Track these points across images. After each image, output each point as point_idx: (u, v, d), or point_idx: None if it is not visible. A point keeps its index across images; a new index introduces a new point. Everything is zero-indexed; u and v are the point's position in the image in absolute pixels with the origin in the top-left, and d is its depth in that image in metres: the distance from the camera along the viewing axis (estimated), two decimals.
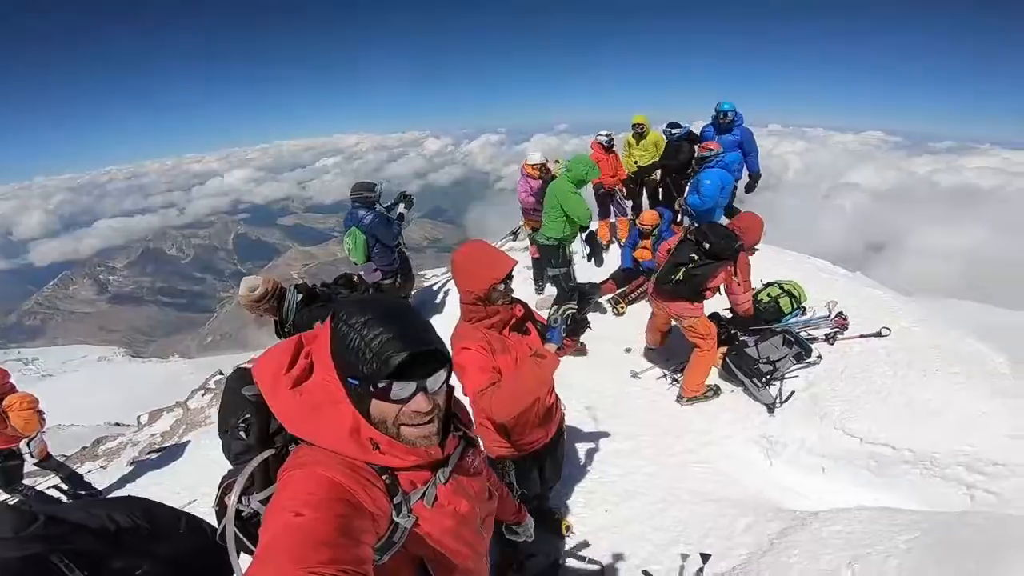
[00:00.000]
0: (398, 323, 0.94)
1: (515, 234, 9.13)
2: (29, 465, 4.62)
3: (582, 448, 3.86)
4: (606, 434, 3.97)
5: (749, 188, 6.63)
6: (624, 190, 7.61)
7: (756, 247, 4.51)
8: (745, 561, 2.52)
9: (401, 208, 6.20)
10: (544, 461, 2.50)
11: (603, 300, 6.47)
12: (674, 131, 6.96)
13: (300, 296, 3.44)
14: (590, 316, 6.03)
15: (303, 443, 1.02)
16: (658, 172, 7.40)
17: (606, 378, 4.95)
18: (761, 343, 4.69)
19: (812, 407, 4.16)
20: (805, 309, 5.22)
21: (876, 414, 3.89)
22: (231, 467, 1.15)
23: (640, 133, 7.28)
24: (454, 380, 1.36)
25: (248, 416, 1.10)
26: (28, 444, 4.48)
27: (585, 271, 6.13)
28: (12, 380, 4.44)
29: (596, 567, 2.52)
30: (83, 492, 5.01)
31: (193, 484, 4.68)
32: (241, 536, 1.04)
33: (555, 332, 2.09)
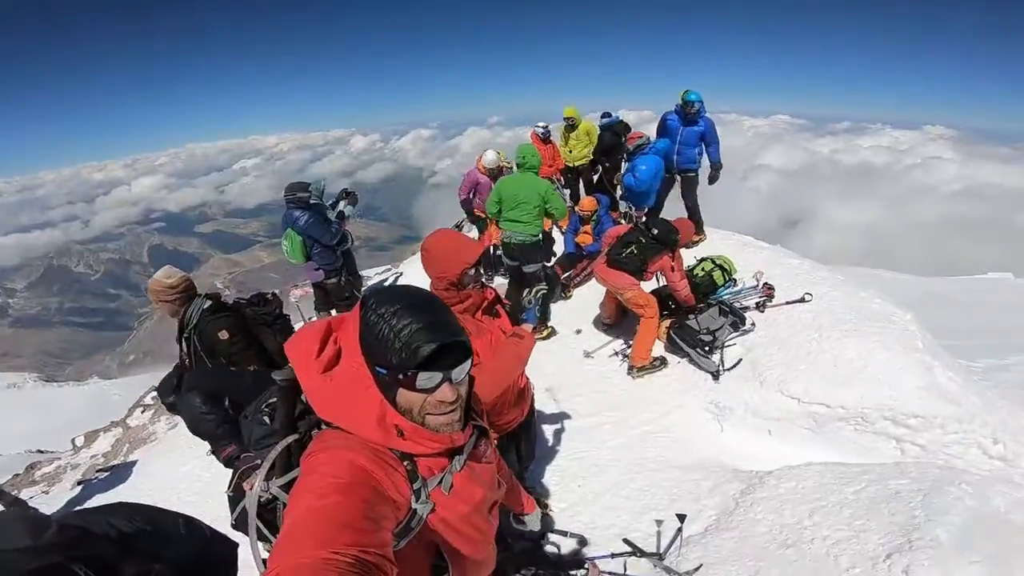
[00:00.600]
0: (426, 314, 0.96)
1: (459, 227, 9.12)
2: None
3: (548, 429, 3.96)
4: (568, 414, 4.09)
5: (712, 179, 6.61)
6: (562, 179, 7.81)
7: (699, 227, 4.99)
8: (716, 520, 2.69)
9: (343, 206, 6.03)
10: (520, 440, 2.57)
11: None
12: (603, 120, 7.23)
13: (208, 303, 3.25)
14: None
15: (326, 428, 1.03)
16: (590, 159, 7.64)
17: (562, 360, 5.09)
18: (700, 315, 4.99)
19: (752, 372, 4.45)
20: (736, 281, 5.59)
21: (809, 375, 4.22)
22: (251, 452, 1.15)
23: (571, 125, 7.50)
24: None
25: (273, 400, 1.12)
26: None
27: None
28: None
29: (578, 539, 2.62)
30: None
31: (153, 501, 4.38)
32: (257, 521, 1.03)
33: (531, 313, 2.18)
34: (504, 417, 2.33)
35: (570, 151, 7.64)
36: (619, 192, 7.13)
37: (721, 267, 5.45)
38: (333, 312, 6.18)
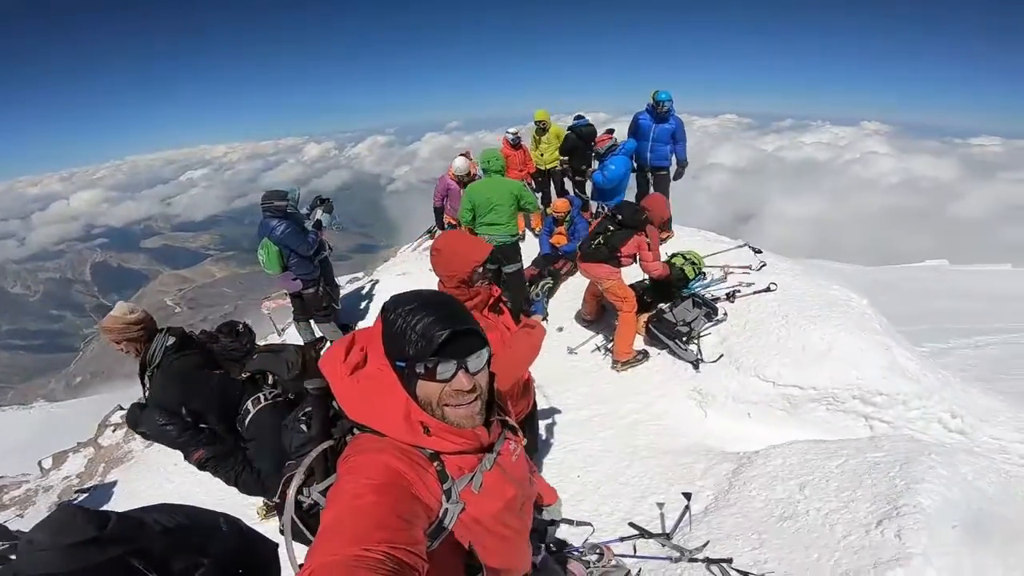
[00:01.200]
0: (440, 308, 1.02)
1: (431, 233, 9.05)
2: None
3: (542, 424, 4.03)
4: (559, 409, 4.19)
5: (677, 175, 6.83)
6: (533, 183, 7.92)
7: (667, 224, 5.10)
8: (714, 500, 2.82)
9: (319, 214, 5.92)
10: (525, 431, 2.65)
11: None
12: (574, 122, 7.38)
13: (172, 340, 3.02)
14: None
15: (359, 433, 1.07)
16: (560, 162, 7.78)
17: (546, 357, 5.15)
18: (675, 308, 5.19)
19: (728, 359, 4.65)
20: (705, 274, 5.84)
21: (781, 360, 4.45)
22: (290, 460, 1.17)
23: (542, 128, 7.61)
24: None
25: (309, 409, 1.14)
26: None
27: None
28: None
29: (587, 525, 2.71)
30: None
31: None
32: (302, 526, 1.06)
33: (539, 304, 2.31)
34: (516, 407, 2.41)
35: (541, 154, 7.76)
36: (588, 191, 7.31)
37: (691, 262, 5.67)
38: (312, 323, 6.06)
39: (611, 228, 4.86)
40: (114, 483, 5.47)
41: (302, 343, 6.15)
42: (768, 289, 5.36)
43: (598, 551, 2.12)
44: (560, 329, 5.75)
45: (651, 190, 6.90)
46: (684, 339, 4.95)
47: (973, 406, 3.83)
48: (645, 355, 5.06)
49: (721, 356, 4.74)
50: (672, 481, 3.18)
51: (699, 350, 4.88)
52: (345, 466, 1.00)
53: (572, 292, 6.02)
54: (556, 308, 6.09)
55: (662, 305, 5.32)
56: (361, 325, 6.69)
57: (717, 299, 5.42)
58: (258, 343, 3.24)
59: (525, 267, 6.75)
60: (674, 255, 5.70)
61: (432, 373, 1.01)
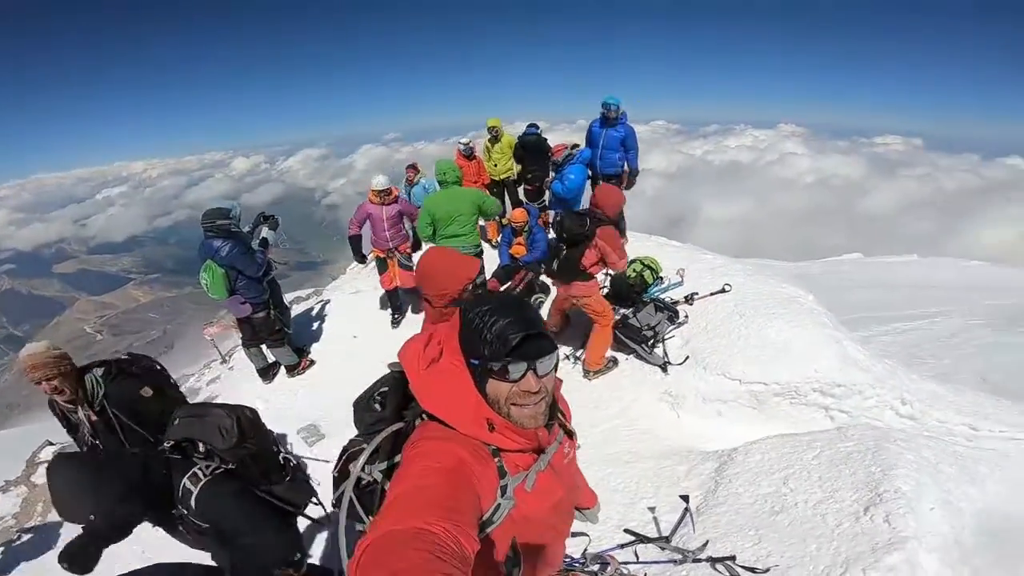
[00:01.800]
0: (515, 312, 1.08)
1: (363, 258, 7.83)
2: None
3: None
4: None
5: (628, 185, 6.84)
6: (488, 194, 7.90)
7: (621, 217, 5.12)
8: (703, 500, 2.90)
9: (264, 232, 5.58)
10: None
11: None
12: (526, 130, 7.43)
13: (102, 370, 2.84)
14: None
15: (428, 420, 1.13)
16: (516, 172, 7.80)
17: None
18: (638, 313, 5.33)
19: (695, 361, 4.82)
20: (663, 279, 6.04)
21: (744, 357, 4.65)
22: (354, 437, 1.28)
23: (495, 136, 7.60)
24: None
25: (385, 390, 1.24)
26: None
27: None
28: None
29: (583, 535, 2.71)
30: None
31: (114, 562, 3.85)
32: (356, 504, 1.14)
33: None
34: None
35: (495, 164, 7.75)
36: (547, 200, 7.37)
37: (649, 267, 5.86)
38: (264, 348, 5.74)
39: (561, 246, 4.69)
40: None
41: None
42: (723, 290, 5.60)
43: (602, 561, 2.12)
44: None
45: None
46: (650, 343, 5.08)
47: (919, 391, 4.15)
48: (615, 362, 5.15)
49: (687, 358, 4.89)
50: (659, 485, 3.24)
51: (665, 353, 5.02)
52: (414, 450, 1.06)
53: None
54: None
55: (625, 311, 5.45)
56: (316, 348, 6.44)
57: (676, 302, 5.61)
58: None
59: (487, 279, 6.74)
60: (632, 261, 5.85)
61: (503, 373, 1.06)
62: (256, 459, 2.37)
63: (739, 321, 5.13)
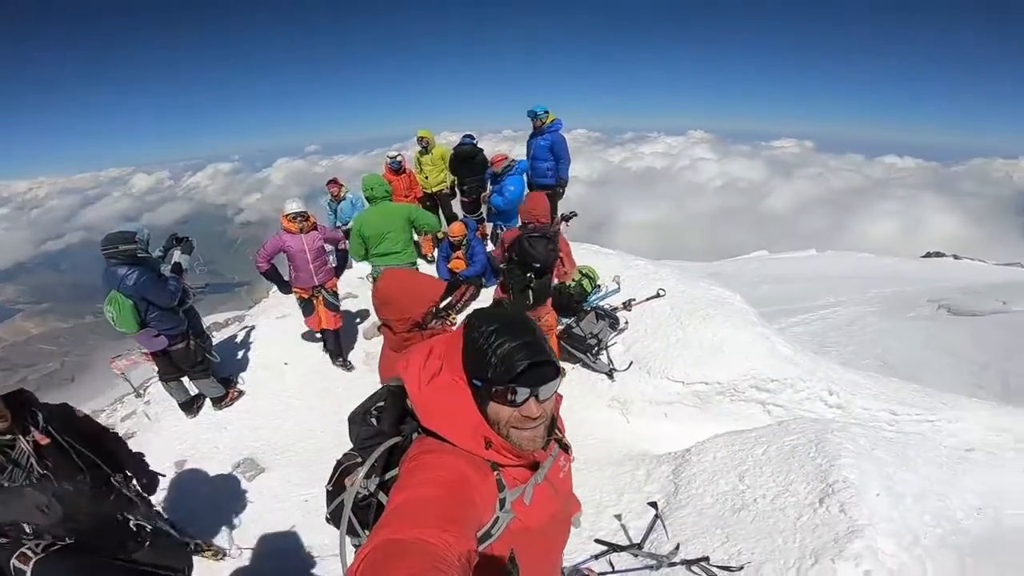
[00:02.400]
0: (522, 335, 1.06)
1: (288, 287, 6.07)
2: None
3: None
4: None
5: (557, 195, 6.79)
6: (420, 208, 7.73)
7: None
8: (666, 503, 2.94)
9: (177, 256, 5.04)
10: None
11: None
12: (461, 142, 7.35)
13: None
14: None
15: (425, 435, 1.12)
16: (452, 184, 7.69)
17: None
18: (581, 322, 5.40)
19: (639, 366, 4.94)
20: (600, 287, 6.17)
21: (684, 359, 4.82)
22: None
23: (425, 147, 7.46)
24: None
25: (382, 404, 1.24)
26: None
27: None
28: None
29: None
30: None
31: None
32: (353, 518, 1.15)
33: None
34: None
35: (426, 177, 7.61)
36: (484, 212, 7.32)
37: (587, 275, 5.97)
38: (184, 380, 5.24)
39: (531, 276, 4.28)
40: None
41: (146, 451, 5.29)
42: (658, 295, 5.80)
43: (584, 573, 2.10)
44: None
45: None
46: (595, 351, 5.16)
47: (843, 381, 4.48)
48: (563, 373, 5.18)
49: (631, 363, 5.01)
50: (621, 491, 3.27)
51: (610, 360, 5.11)
52: (413, 462, 1.06)
53: None
54: None
55: (567, 321, 5.50)
56: (244, 377, 6.00)
57: (616, 309, 5.74)
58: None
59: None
60: None
61: (505, 396, 1.05)
62: (100, 531, 2.19)
63: (676, 324, 5.33)
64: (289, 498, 4.07)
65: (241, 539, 3.74)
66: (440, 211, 8.03)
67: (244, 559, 3.58)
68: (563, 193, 6.98)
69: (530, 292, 4.30)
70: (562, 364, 5.20)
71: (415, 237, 5.64)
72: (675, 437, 4.02)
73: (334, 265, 5.66)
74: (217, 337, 7.38)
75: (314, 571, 3.41)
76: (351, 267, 8.05)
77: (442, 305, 2.17)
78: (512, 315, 1.13)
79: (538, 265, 4.15)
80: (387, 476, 1.16)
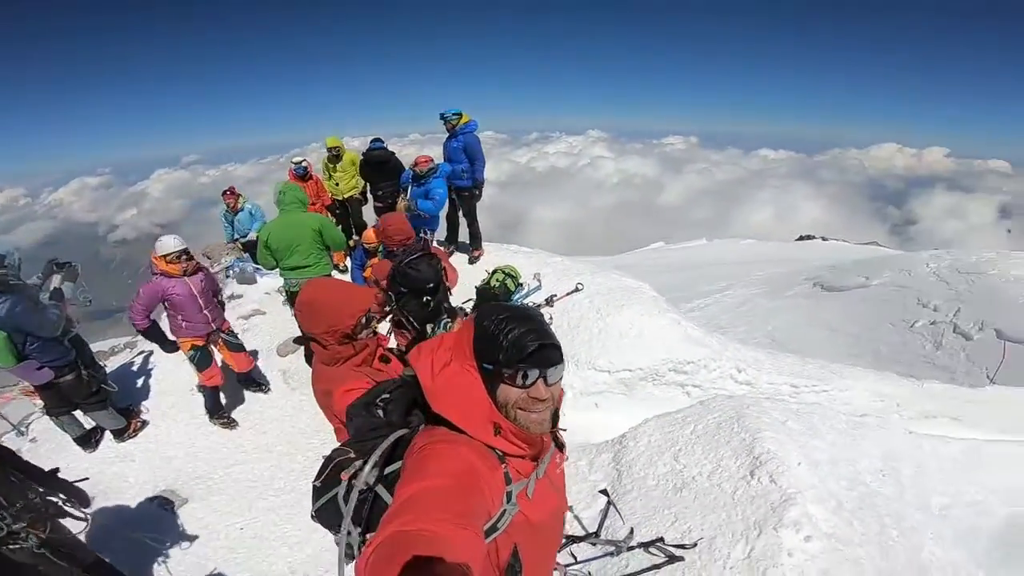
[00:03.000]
0: (530, 322, 1.12)
1: (174, 345, 4.99)
2: None
3: None
4: None
5: (473, 197, 6.72)
6: (330, 215, 7.38)
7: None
8: (612, 490, 3.00)
9: (58, 282, 4.46)
10: None
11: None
12: (371, 146, 7.11)
13: None
14: None
15: (433, 426, 1.14)
16: (364, 190, 7.41)
17: None
18: None
19: (566, 358, 5.01)
20: (523, 285, 6.23)
21: (607, 349, 5.00)
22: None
23: (336, 155, 7.14)
24: None
25: (388, 396, 1.25)
26: None
27: None
28: None
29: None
30: None
31: None
32: (343, 507, 1.16)
33: None
34: None
35: (336, 183, 7.27)
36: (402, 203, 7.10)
37: (510, 275, 5.99)
38: (77, 414, 4.65)
39: (429, 300, 3.88)
40: None
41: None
42: (577, 289, 5.95)
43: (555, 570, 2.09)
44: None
45: (459, 213, 6.99)
46: None
47: (748, 359, 4.86)
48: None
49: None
50: (568, 484, 3.29)
51: None
52: (423, 452, 1.07)
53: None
54: None
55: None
56: (147, 405, 5.42)
57: (539, 306, 5.82)
58: None
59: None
60: (493, 272, 5.94)
61: (515, 378, 1.10)
62: None
63: (596, 316, 5.51)
64: (221, 528, 3.77)
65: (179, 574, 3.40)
66: (351, 218, 7.72)
67: None
68: (480, 195, 6.92)
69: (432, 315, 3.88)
70: None
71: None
72: (609, 425, 4.13)
73: (224, 303, 5.08)
74: (109, 366, 6.59)
75: None
76: (254, 283, 7.53)
77: (371, 315, 2.05)
78: (520, 307, 1.21)
79: (431, 285, 3.79)
80: (387, 470, 1.15)
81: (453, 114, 6.36)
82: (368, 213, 7.77)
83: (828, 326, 10.73)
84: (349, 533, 1.16)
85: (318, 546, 3.44)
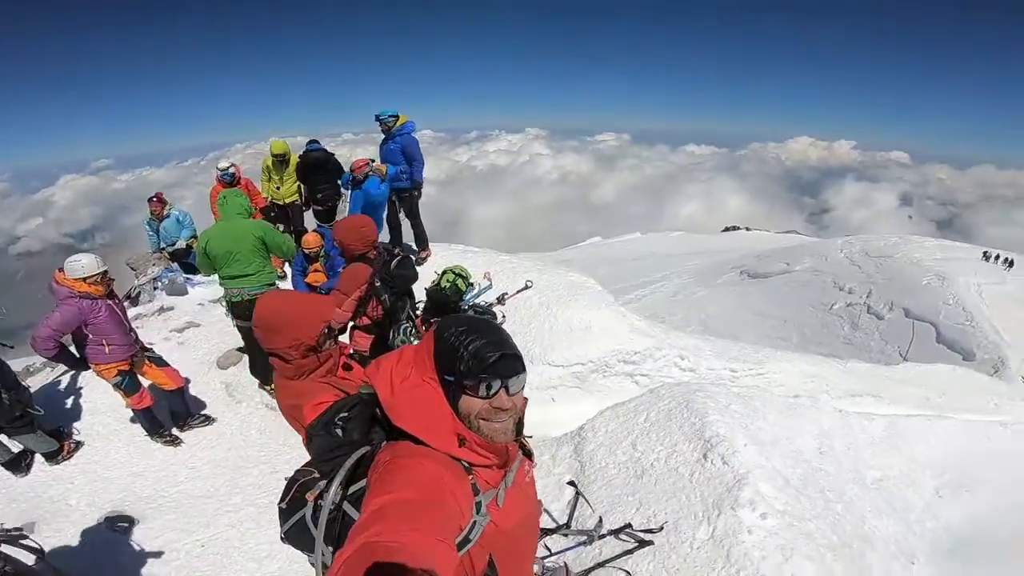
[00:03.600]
0: (490, 333, 1.12)
1: (85, 362, 4.47)
2: None
3: None
4: None
5: (412, 198, 6.61)
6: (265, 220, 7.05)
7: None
8: (578, 480, 3.06)
9: None
10: None
11: None
12: (307, 147, 6.86)
13: None
14: None
15: (396, 441, 1.11)
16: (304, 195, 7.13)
17: None
18: None
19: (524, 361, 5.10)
20: (474, 285, 6.22)
21: (559, 343, 5.07)
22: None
23: (283, 160, 6.84)
24: None
25: (346, 414, 1.20)
26: None
27: None
28: None
29: None
30: None
31: None
32: (311, 527, 1.16)
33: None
34: None
35: (276, 187, 6.94)
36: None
37: (460, 275, 5.94)
38: (3, 438, 4.24)
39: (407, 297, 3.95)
40: None
41: None
42: (527, 286, 6.01)
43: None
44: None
45: (399, 215, 6.86)
46: None
47: (689, 347, 5.07)
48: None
49: None
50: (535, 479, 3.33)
51: None
52: (388, 466, 1.05)
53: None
54: None
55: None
56: (79, 426, 5.01)
57: (492, 304, 5.83)
58: None
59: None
60: (443, 272, 5.88)
61: (476, 389, 1.08)
62: None
63: (546, 312, 5.58)
64: (180, 546, 3.55)
65: None
66: (292, 224, 7.40)
67: None
68: (419, 196, 6.82)
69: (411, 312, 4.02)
70: None
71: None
72: (566, 418, 4.19)
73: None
74: (33, 386, 6.02)
75: None
76: (185, 294, 7.10)
77: (332, 325, 2.00)
78: (479, 319, 1.19)
79: (414, 283, 4.02)
80: (352, 489, 1.14)
81: (389, 116, 6.23)
82: (307, 218, 7.49)
83: (756, 311, 11.41)
84: (323, 554, 1.14)
85: (286, 559, 3.31)
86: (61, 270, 3.93)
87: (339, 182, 6.64)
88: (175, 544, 3.59)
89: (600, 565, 2.38)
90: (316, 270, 6.23)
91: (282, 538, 1.29)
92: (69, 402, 5.26)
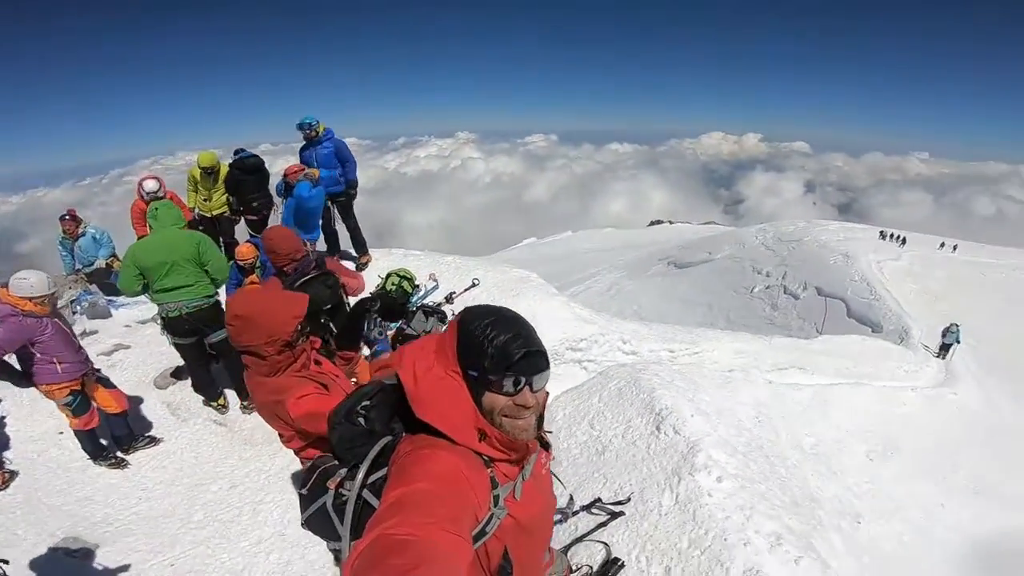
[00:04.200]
0: (515, 327, 1.08)
1: (30, 380, 4.28)
2: None
3: None
4: None
5: (351, 198, 6.51)
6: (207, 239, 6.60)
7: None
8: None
9: None
10: None
11: None
12: (235, 156, 6.50)
13: None
14: None
15: (415, 433, 1.10)
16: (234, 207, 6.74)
17: None
18: (411, 323, 5.31)
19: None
20: (420, 287, 6.17)
21: None
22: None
23: (212, 173, 6.42)
24: None
25: (368, 403, 1.17)
26: None
27: None
28: None
29: None
30: None
31: None
32: (333, 515, 1.17)
33: (383, 344, 2.22)
34: None
35: (205, 199, 6.51)
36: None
37: (405, 277, 5.87)
38: None
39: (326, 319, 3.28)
40: None
41: None
42: (474, 284, 6.03)
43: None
44: None
45: (334, 224, 6.64)
46: None
47: (630, 331, 5.28)
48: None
49: None
50: None
51: None
52: (408, 458, 1.04)
53: None
54: None
55: (395, 325, 5.36)
56: (10, 456, 4.51)
57: (440, 304, 5.79)
58: None
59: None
60: (387, 276, 5.78)
61: (501, 385, 1.05)
62: None
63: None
64: (147, 568, 3.28)
65: None
66: (221, 236, 6.97)
67: None
68: (355, 195, 6.66)
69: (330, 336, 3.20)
70: None
71: None
72: None
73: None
74: None
75: None
76: (108, 316, 6.56)
77: (305, 320, 1.96)
78: (504, 310, 1.15)
79: (328, 307, 3.31)
80: (372, 478, 1.12)
81: (311, 123, 6.07)
82: (239, 229, 7.07)
83: (684, 299, 12.02)
84: (350, 543, 1.10)
85: (263, 571, 3.14)
86: (4, 286, 3.56)
87: (271, 191, 6.35)
88: (141, 566, 3.32)
89: (579, 540, 2.43)
90: (252, 282, 5.92)
91: (303, 524, 1.28)
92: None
